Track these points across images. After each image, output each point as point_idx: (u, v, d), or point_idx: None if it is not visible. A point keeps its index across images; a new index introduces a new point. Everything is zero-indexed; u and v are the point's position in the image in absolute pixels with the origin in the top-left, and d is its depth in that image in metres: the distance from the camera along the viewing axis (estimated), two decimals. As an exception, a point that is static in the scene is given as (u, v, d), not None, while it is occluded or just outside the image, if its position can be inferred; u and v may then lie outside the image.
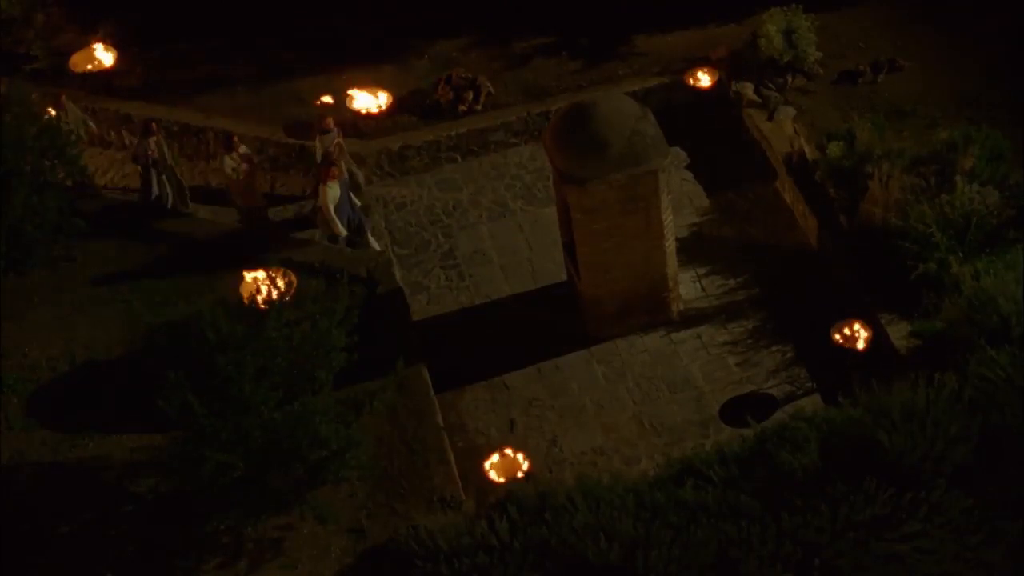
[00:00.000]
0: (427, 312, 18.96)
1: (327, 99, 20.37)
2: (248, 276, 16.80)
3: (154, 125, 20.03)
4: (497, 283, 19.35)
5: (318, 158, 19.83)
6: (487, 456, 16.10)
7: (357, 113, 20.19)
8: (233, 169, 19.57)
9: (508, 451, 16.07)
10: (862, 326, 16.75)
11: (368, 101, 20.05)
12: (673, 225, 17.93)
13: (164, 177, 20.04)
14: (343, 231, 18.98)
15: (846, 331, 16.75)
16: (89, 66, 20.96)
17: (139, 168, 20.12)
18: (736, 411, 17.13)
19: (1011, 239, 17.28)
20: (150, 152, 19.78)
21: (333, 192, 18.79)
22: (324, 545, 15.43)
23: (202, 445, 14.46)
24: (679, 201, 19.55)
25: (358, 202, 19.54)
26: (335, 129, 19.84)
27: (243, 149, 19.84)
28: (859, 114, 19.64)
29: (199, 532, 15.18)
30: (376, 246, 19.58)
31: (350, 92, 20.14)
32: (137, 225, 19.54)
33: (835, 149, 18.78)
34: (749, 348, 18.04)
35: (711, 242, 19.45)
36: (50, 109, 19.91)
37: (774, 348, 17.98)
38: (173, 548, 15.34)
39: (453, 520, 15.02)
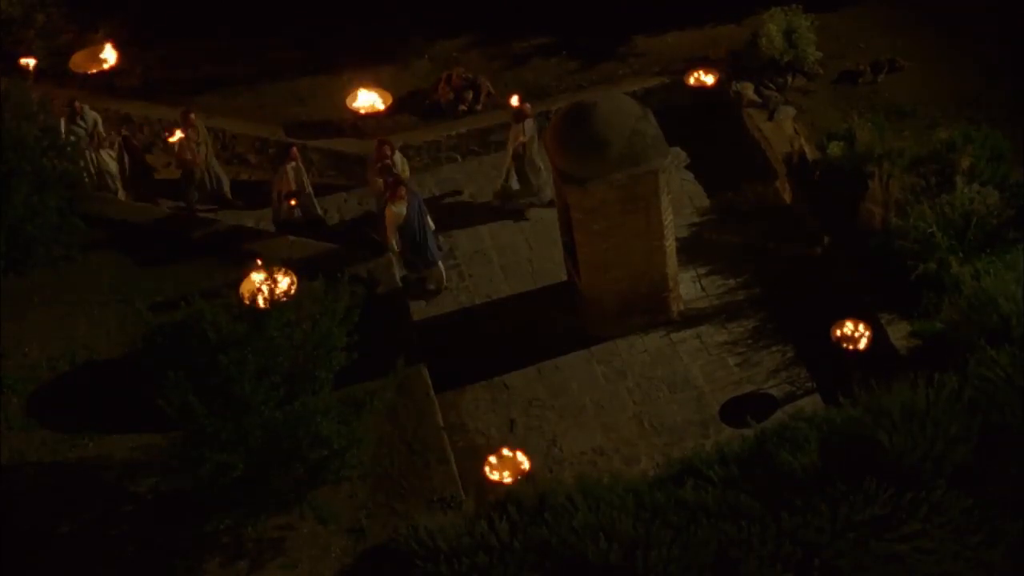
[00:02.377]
0: (427, 312, 18.95)
1: (516, 101, 19.59)
2: (249, 276, 16.79)
3: (294, 150, 19.38)
4: (497, 283, 19.35)
5: (510, 150, 19.49)
6: (487, 456, 16.10)
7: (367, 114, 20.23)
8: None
9: (508, 451, 16.07)
10: (862, 326, 16.75)
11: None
12: (673, 225, 17.92)
13: (300, 202, 19.52)
14: (396, 247, 18.52)
15: (846, 331, 16.76)
16: (89, 66, 20.98)
17: (277, 192, 19.58)
18: (736, 411, 17.13)
19: (1011, 239, 17.29)
20: (290, 182, 19.22)
21: (398, 210, 18.26)
22: (324, 545, 15.43)
23: (202, 445, 14.47)
24: (679, 201, 19.55)
25: (432, 225, 18.88)
26: (532, 117, 19.45)
27: (399, 159, 19.01)
28: (859, 114, 19.65)
29: (199, 532, 15.18)
30: (442, 276, 19.08)
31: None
32: (137, 225, 19.57)
33: (835, 149, 18.80)
34: (749, 348, 18.04)
35: (711, 242, 19.45)
36: (177, 132, 19.77)
37: (774, 348, 17.97)
38: (173, 548, 15.35)
39: (453, 520, 15.03)
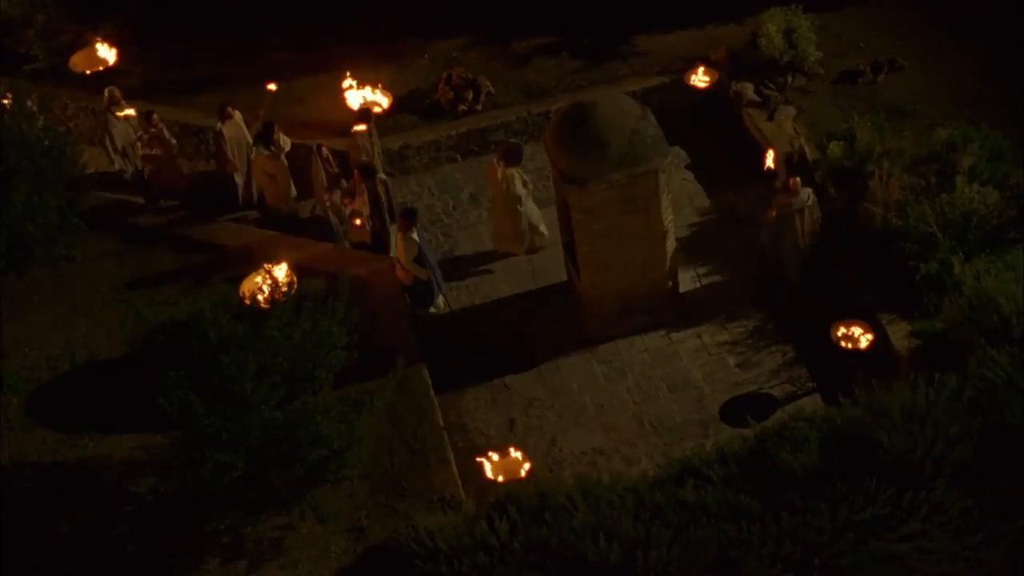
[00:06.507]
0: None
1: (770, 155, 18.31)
2: (249, 276, 16.80)
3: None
4: (497, 283, 19.35)
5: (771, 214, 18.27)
6: (486, 455, 16.09)
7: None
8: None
9: (508, 451, 16.07)
10: (862, 326, 16.75)
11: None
12: (673, 225, 17.93)
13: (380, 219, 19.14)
14: (426, 275, 18.19)
15: (846, 331, 16.75)
16: (89, 66, 20.97)
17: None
18: (736, 411, 17.13)
19: (1011, 239, 17.28)
20: (365, 203, 18.83)
21: (413, 239, 17.92)
22: (324, 545, 15.43)
23: (202, 445, 14.46)
24: (679, 201, 19.55)
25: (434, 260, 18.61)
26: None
27: (518, 177, 18.75)
28: (859, 114, 19.63)
29: (199, 532, 15.18)
30: (441, 305, 18.85)
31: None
32: (137, 225, 19.56)
33: (835, 149, 18.79)
34: (749, 348, 18.04)
35: (711, 242, 19.45)
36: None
37: (774, 348, 17.98)
38: (173, 548, 15.35)
39: (453, 520, 15.02)
